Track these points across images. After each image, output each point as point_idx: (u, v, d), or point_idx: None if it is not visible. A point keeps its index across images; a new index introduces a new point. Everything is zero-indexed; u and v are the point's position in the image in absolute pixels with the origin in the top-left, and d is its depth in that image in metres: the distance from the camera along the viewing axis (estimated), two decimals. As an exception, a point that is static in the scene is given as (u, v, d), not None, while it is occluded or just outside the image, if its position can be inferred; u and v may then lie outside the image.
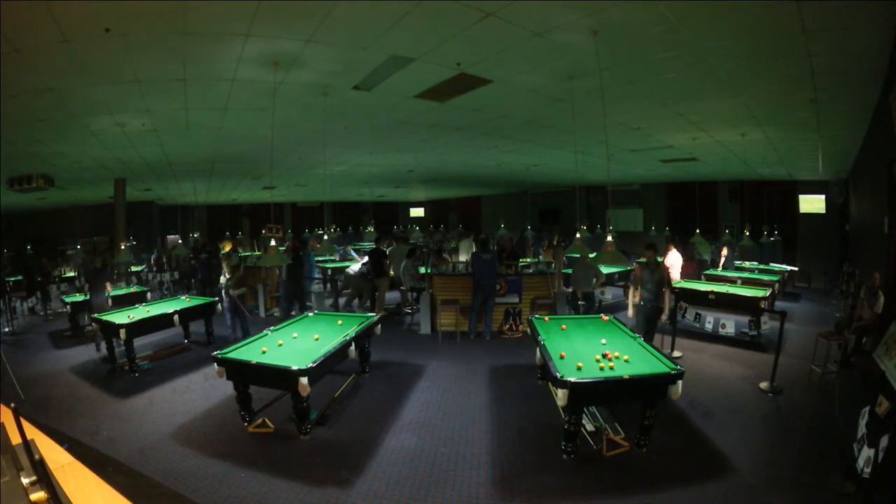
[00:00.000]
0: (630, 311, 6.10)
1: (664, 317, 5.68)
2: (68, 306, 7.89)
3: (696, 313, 6.74)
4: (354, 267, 8.92)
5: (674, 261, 8.27)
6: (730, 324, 6.39)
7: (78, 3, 2.97)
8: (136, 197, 13.65)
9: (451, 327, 7.37)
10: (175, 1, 3.00)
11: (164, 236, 17.90)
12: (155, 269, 14.02)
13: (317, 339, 4.77)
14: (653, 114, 6.03)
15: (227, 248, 12.19)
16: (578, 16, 3.33)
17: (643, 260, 5.92)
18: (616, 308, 8.91)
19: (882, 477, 2.70)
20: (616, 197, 15.73)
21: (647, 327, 5.66)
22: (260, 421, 4.25)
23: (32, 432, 2.16)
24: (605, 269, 9.46)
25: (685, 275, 9.10)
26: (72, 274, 12.70)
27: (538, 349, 4.43)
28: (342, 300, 9.38)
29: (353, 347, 4.72)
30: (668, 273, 5.94)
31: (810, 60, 3.96)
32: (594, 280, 7.44)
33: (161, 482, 3.34)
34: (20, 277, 10.78)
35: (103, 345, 6.29)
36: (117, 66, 4.02)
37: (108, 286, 7.87)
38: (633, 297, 5.98)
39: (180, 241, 14.19)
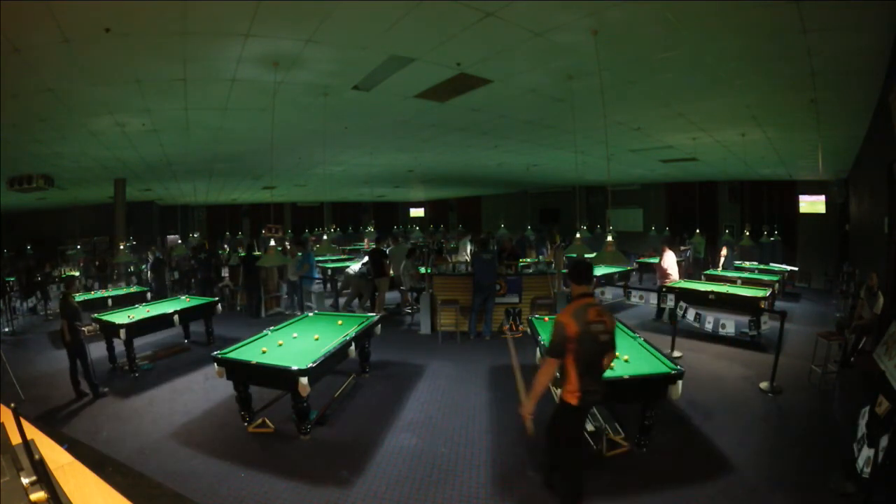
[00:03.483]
0: None
1: None
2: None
3: (696, 313, 6.74)
4: (354, 267, 8.93)
5: (670, 262, 8.27)
6: (730, 324, 6.39)
7: (78, 3, 2.96)
8: (136, 197, 13.63)
9: (451, 327, 7.37)
10: (175, 1, 3.00)
11: (164, 236, 17.88)
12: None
13: (317, 339, 4.77)
14: (653, 114, 6.03)
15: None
16: (578, 16, 3.32)
17: None
18: (616, 308, 8.91)
19: (882, 477, 2.70)
20: (616, 197, 15.72)
21: None
22: (260, 421, 4.25)
23: (32, 432, 2.16)
24: (605, 270, 9.49)
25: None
26: (73, 273, 12.68)
27: (538, 349, 4.43)
28: (342, 300, 9.38)
29: (353, 347, 4.72)
30: None
31: (810, 60, 3.95)
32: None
33: (161, 482, 3.34)
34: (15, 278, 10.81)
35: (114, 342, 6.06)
36: (117, 66, 4.02)
37: (167, 275, 8.30)
38: None
39: (180, 241, 14.18)
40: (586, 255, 7.44)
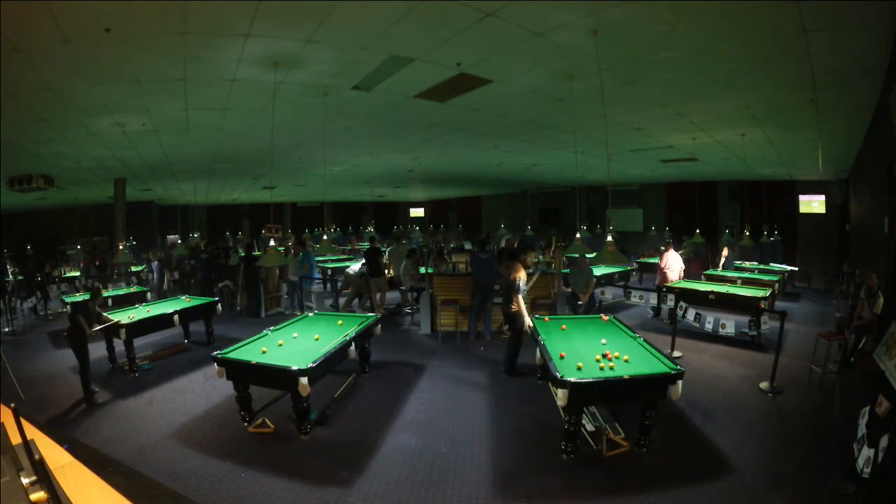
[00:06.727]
0: None
1: None
2: (68, 306, 7.88)
3: (696, 313, 6.73)
4: (354, 267, 8.92)
5: (671, 262, 8.27)
6: (730, 324, 6.38)
7: (78, 3, 2.97)
8: (136, 197, 13.63)
9: (451, 327, 7.37)
10: (175, 1, 3.00)
11: (164, 236, 17.89)
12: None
13: (317, 339, 4.77)
14: (653, 114, 6.03)
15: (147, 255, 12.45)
16: (578, 16, 3.33)
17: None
18: (616, 308, 8.91)
19: (882, 477, 2.70)
20: (616, 197, 15.71)
21: None
22: (260, 421, 4.25)
23: (32, 432, 2.16)
24: (605, 270, 9.48)
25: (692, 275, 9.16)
26: (73, 273, 12.68)
27: (538, 349, 4.43)
28: (342, 300, 9.38)
29: (353, 347, 4.72)
30: None
31: (810, 60, 3.95)
32: (587, 284, 7.44)
33: (161, 482, 3.34)
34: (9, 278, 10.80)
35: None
36: (117, 66, 4.02)
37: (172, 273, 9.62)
38: None
39: (180, 241, 14.16)
40: (587, 255, 7.49)
